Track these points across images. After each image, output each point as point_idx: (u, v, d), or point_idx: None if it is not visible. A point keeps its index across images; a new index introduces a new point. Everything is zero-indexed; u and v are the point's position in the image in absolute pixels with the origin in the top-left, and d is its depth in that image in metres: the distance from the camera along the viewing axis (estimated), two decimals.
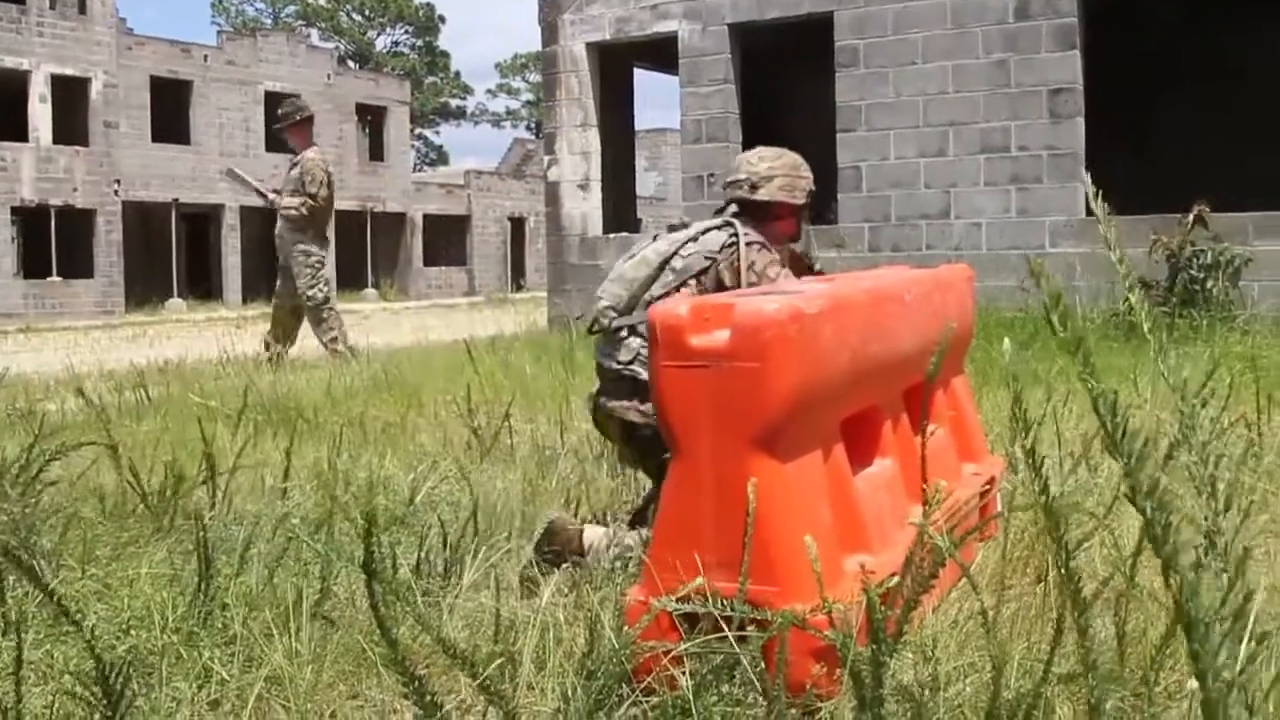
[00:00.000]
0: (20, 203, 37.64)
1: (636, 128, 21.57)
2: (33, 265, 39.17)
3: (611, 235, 17.77)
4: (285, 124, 12.22)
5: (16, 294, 37.17)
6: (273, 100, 44.77)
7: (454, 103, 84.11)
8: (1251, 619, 1.46)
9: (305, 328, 12.37)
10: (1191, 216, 12.56)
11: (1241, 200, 13.18)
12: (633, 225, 19.71)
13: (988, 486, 4.61)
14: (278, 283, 12.36)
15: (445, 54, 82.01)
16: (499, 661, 3.18)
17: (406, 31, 79.06)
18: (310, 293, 12.02)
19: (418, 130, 76.42)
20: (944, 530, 2.87)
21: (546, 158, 18.63)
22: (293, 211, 11.85)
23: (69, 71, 38.60)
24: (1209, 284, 12.38)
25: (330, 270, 12.26)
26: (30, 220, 39.07)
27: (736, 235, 4.60)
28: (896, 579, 2.83)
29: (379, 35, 78.34)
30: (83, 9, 39.07)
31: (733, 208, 4.86)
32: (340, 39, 73.42)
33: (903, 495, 3.85)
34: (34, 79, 37.78)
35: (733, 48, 16.64)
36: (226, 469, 5.15)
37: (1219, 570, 1.57)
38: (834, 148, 15.80)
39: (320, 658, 3.33)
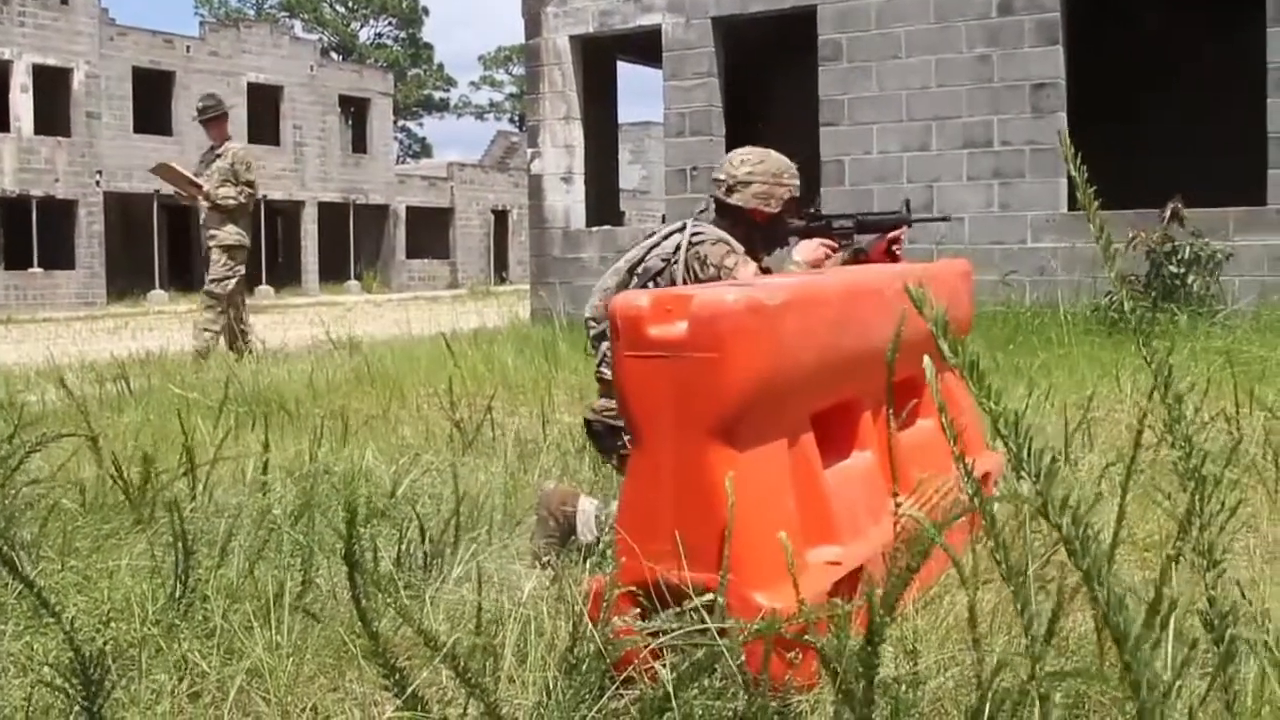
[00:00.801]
0: (1, 193, 37.48)
1: (620, 121, 21.56)
2: (13, 256, 38.99)
3: (594, 228, 17.76)
4: (207, 117, 12.21)
5: None
6: (255, 92, 44.73)
7: (437, 95, 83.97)
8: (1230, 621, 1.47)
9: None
10: (1168, 212, 12.59)
11: (1222, 197, 13.22)
12: (616, 219, 19.71)
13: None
14: (205, 274, 12.26)
15: (429, 46, 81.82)
16: (480, 654, 3.18)
17: (390, 23, 78.86)
18: (220, 282, 12.00)
19: (401, 122, 76.27)
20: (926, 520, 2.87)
21: (530, 150, 18.62)
22: (230, 201, 11.83)
23: (51, 61, 38.43)
24: (1189, 279, 12.41)
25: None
26: (11, 211, 38.90)
27: (700, 235, 4.66)
28: (869, 574, 2.84)
29: (362, 27, 78.14)
30: None
31: (709, 209, 4.91)
32: (323, 31, 73.18)
33: (882, 488, 3.85)
34: (15, 69, 37.61)
35: (716, 41, 16.64)
36: (207, 461, 5.13)
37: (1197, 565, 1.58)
38: (817, 141, 15.81)
39: (301, 650, 3.32)
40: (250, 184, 11.93)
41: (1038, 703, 2.33)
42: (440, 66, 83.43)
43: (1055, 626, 3.23)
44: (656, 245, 4.71)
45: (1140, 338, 1.64)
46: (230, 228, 11.96)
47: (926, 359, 2.42)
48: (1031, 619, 1.76)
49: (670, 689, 2.76)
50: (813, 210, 5.06)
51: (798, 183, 4.93)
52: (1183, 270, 12.41)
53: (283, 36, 48.45)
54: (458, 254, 53.50)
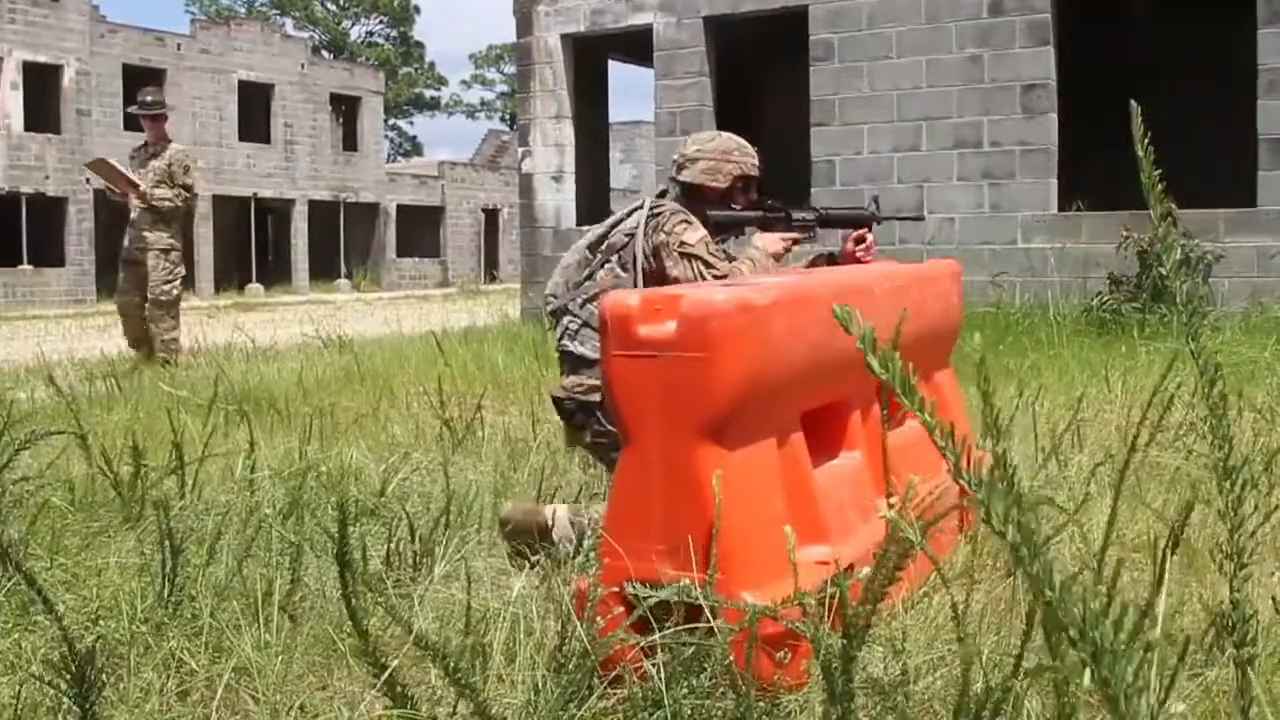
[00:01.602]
0: None
1: (611, 120, 21.56)
2: (3, 253, 38.87)
3: (585, 227, 17.73)
4: (151, 114, 11.78)
5: None
6: (246, 89, 44.67)
7: (428, 93, 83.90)
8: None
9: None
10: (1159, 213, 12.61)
11: (1213, 198, 13.26)
12: (606, 217, 19.69)
13: None
14: (119, 278, 11.87)
15: (420, 44, 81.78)
16: (469, 653, 3.18)
17: (381, 22, 78.76)
18: (165, 288, 11.62)
19: (392, 121, 76.19)
20: (914, 523, 2.87)
21: (521, 149, 18.62)
22: (166, 203, 11.50)
23: (41, 59, 38.34)
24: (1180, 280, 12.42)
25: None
26: (1, 208, 38.81)
27: (660, 208, 4.70)
28: (863, 570, 2.84)
29: (353, 25, 78.04)
30: None
31: (671, 190, 4.92)
32: (314, 29, 73.09)
33: (870, 488, 3.86)
34: (6, 66, 37.51)
35: (708, 41, 16.65)
36: (196, 459, 5.13)
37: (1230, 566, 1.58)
38: (808, 141, 15.83)
39: (290, 649, 3.32)
40: (188, 187, 11.49)
41: (1023, 701, 2.33)
42: (431, 65, 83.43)
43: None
44: (619, 223, 4.77)
45: (1190, 335, 1.64)
46: (163, 230, 11.58)
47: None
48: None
49: (660, 687, 2.77)
50: (770, 201, 5.03)
51: (751, 161, 4.91)
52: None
53: (273, 34, 48.37)
54: (448, 253, 53.46)
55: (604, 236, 4.77)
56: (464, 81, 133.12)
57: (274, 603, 3.52)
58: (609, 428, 4.43)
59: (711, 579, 2.98)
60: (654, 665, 2.88)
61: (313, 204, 47.57)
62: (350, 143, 51.17)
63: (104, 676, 3.00)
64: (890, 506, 2.89)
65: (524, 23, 18.20)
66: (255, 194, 45.03)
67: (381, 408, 7.83)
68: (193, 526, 4.39)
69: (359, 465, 5.75)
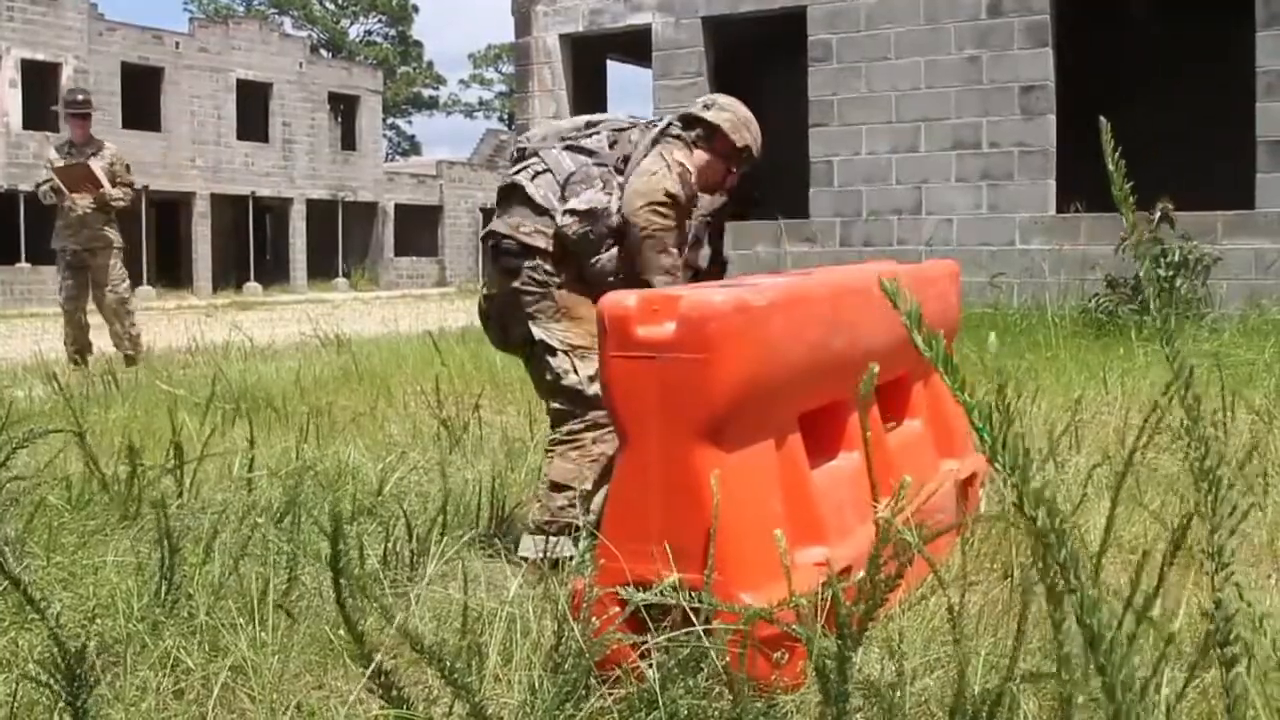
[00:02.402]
0: None
1: None
2: (1, 251, 38.87)
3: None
4: (82, 111, 11.65)
5: None
6: (244, 88, 44.65)
7: (427, 93, 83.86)
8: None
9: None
10: (1156, 214, 12.63)
11: (1214, 199, 13.27)
12: None
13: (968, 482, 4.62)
14: (68, 285, 11.61)
15: (418, 44, 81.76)
16: (466, 653, 3.18)
17: (380, 21, 78.73)
18: (124, 286, 11.66)
19: (390, 120, 76.19)
20: (910, 525, 2.87)
21: None
22: (120, 202, 11.45)
23: (40, 56, 38.33)
24: (1178, 282, 12.45)
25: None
26: None
27: (669, 128, 4.55)
28: (859, 574, 2.84)
29: (352, 24, 78.01)
30: None
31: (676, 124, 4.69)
32: (313, 27, 73.04)
33: (869, 490, 3.85)
34: (4, 63, 37.50)
35: (706, 41, 16.65)
36: (194, 457, 5.12)
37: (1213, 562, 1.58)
38: (806, 142, 15.83)
39: (287, 648, 3.32)
40: (131, 185, 11.56)
41: (1019, 704, 2.33)
42: (430, 64, 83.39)
43: (1041, 628, 3.24)
44: (630, 139, 4.55)
45: (1162, 338, 1.64)
46: (114, 228, 11.57)
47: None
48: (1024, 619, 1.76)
49: (657, 688, 2.76)
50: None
51: (758, 146, 4.78)
52: (1171, 273, 12.45)
53: (272, 33, 48.35)
54: (446, 252, 53.45)
55: (621, 131, 4.55)
56: (462, 81, 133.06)
57: (270, 602, 3.51)
58: (543, 277, 4.36)
59: (709, 580, 2.97)
60: (651, 666, 2.88)
61: (311, 203, 47.54)
62: (348, 142, 51.16)
63: (100, 675, 3.00)
64: (880, 507, 2.88)
65: (522, 22, 18.19)
66: (253, 193, 45.01)
67: (379, 407, 7.83)
68: (190, 525, 4.39)
69: (356, 464, 5.75)
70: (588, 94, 19.10)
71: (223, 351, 12.16)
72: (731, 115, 4.67)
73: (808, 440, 3.54)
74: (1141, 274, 12.59)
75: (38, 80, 38.38)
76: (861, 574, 2.41)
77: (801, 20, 15.84)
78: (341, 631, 3.23)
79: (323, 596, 3.77)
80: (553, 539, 4.25)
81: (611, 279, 4.27)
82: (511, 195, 4.50)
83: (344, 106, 51.16)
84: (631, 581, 3.08)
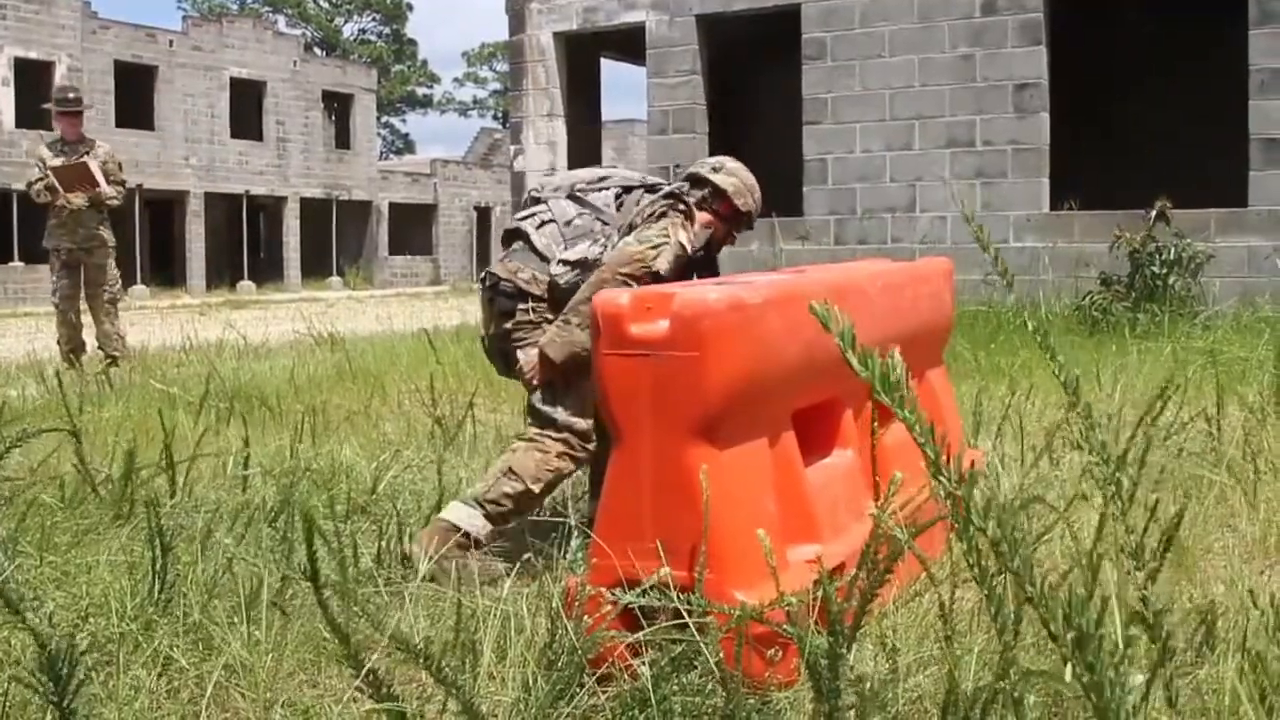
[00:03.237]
0: None
1: (603, 118, 21.55)
2: None
3: None
4: (74, 109, 11.56)
5: None
6: (238, 87, 44.59)
7: (421, 91, 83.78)
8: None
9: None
10: (1154, 213, 12.65)
11: (1206, 197, 13.28)
12: None
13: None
14: (62, 284, 11.50)
15: (413, 42, 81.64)
16: (459, 651, 3.18)
17: (374, 19, 78.66)
18: (118, 285, 11.64)
19: (384, 118, 76.12)
20: (902, 521, 2.87)
21: (513, 147, 18.61)
22: (115, 201, 11.46)
23: (33, 55, 38.26)
24: (1171, 280, 12.46)
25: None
26: None
27: (664, 186, 4.69)
28: (851, 571, 2.84)
29: (346, 22, 77.92)
30: None
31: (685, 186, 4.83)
32: (307, 26, 72.96)
33: (862, 487, 3.86)
34: None
35: (700, 39, 16.65)
36: (188, 456, 5.12)
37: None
38: (800, 140, 15.83)
39: (280, 647, 3.32)
40: (123, 183, 11.53)
41: (1011, 702, 2.33)
42: (424, 62, 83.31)
43: (1035, 625, 3.24)
44: (641, 191, 4.72)
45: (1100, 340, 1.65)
46: (108, 228, 11.52)
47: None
48: (1005, 619, 1.76)
49: (649, 685, 2.77)
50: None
51: (756, 210, 4.89)
52: (1165, 271, 12.46)
53: (266, 31, 48.26)
54: (440, 250, 53.41)
55: (629, 190, 4.70)
56: (456, 79, 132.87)
57: (264, 601, 3.51)
58: (536, 317, 4.50)
59: (701, 578, 2.98)
60: (645, 663, 2.89)
61: (305, 201, 47.49)
62: (343, 140, 51.10)
63: (91, 674, 3.00)
64: (876, 505, 2.89)
65: (516, 20, 18.19)
66: (247, 191, 44.94)
67: (373, 405, 7.83)
68: (183, 524, 4.39)
69: (350, 463, 5.75)
70: (581, 92, 19.10)
71: (216, 350, 12.16)
72: (738, 181, 4.81)
73: (802, 438, 3.55)
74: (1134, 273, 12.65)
75: (31, 78, 38.30)
76: (852, 573, 2.41)
77: (795, 18, 15.84)
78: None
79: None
80: (472, 512, 4.28)
81: None
82: (515, 240, 4.67)
83: (338, 105, 51.10)
84: (625, 579, 3.08)
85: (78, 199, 11.12)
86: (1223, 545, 4.41)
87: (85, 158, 11.30)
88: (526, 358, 4.47)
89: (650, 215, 4.53)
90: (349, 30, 78.26)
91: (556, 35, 17.92)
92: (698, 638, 2.87)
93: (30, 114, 38.18)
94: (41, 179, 11.27)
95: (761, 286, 3.32)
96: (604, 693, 2.93)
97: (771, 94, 18.45)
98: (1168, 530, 2.58)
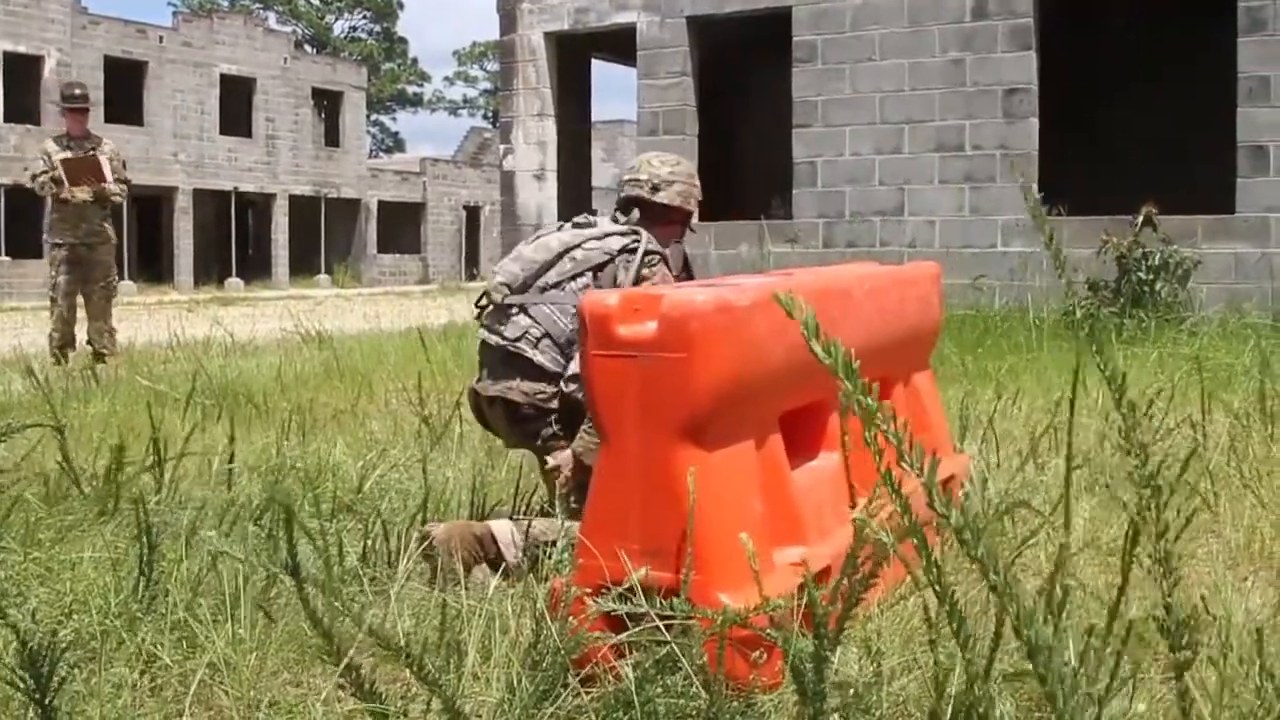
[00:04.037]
0: None
1: (593, 119, 21.55)
2: None
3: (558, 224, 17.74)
4: (81, 106, 11.63)
5: None
6: (228, 83, 44.52)
7: (411, 90, 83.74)
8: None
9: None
10: (1140, 218, 12.67)
11: (1193, 202, 13.32)
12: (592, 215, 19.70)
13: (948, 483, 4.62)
14: (63, 279, 11.53)
15: (403, 40, 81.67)
16: (444, 651, 3.18)
17: (365, 17, 78.57)
18: (114, 282, 11.77)
19: (374, 116, 76.03)
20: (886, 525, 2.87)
21: (503, 147, 18.60)
22: (118, 198, 11.48)
23: (22, 49, 38.17)
24: (1158, 286, 12.49)
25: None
26: None
27: (638, 243, 4.61)
28: (837, 575, 2.84)
29: (337, 20, 77.82)
30: None
31: (634, 210, 4.84)
32: (298, 23, 72.87)
33: (849, 490, 3.86)
34: None
35: (691, 40, 16.65)
36: (174, 453, 5.11)
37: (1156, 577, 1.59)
38: (790, 142, 15.85)
39: (264, 645, 3.31)
40: (127, 181, 11.55)
41: (994, 704, 2.34)
42: (414, 61, 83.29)
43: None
44: (597, 239, 4.65)
45: (1095, 346, 1.65)
46: (110, 224, 11.64)
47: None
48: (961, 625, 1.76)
49: (632, 687, 2.77)
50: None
51: (698, 196, 4.95)
52: (1151, 277, 12.49)
53: (256, 28, 48.21)
54: (429, 249, 53.37)
55: (576, 246, 4.64)
56: (447, 78, 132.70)
57: (247, 599, 3.50)
58: (558, 431, 4.44)
59: (687, 579, 2.97)
60: (629, 664, 2.89)
61: (294, 199, 47.44)
62: (332, 138, 51.04)
63: (74, 671, 2.99)
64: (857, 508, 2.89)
65: (507, 20, 18.18)
66: (236, 188, 44.88)
67: (360, 404, 7.82)
68: (168, 522, 4.38)
69: (337, 462, 5.74)
70: (572, 92, 19.10)
71: (204, 347, 12.13)
72: (682, 187, 4.85)
73: (788, 440, 3.55)
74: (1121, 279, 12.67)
75: (20, 73, 38.22)
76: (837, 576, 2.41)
77: (786, 21, 15.85)
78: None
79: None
80: (519, 542, 4.26)
81: None
82: (514, 362, 4.53)
83: (328, 102, 51.04)
84: (610, 581, 3.08)
85: (82, 193, 11.13)
86: (1206, 552, 4.42)
87: (93, 153, 11.32)
88: (555, 460, 4.42)
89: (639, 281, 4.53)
90: (339, 28, 78.20)
91: (547, 35, 17.91)
92: (681, 640, 2.87)
93: (19, 109, 38.14)
94: (46, 172, 11.28)
95: (749, 289, 3.32)
96: (588, 694, 2.93)
97: (762, 96, 18.47)
98: (1132, 526, 2.58)
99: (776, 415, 3.52)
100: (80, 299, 11.54)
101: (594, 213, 4.95)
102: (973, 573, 3.98)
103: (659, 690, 2.80)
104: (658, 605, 2.94)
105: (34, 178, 11.52)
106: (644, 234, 4.66)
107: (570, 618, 3.00)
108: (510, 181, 18.27)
